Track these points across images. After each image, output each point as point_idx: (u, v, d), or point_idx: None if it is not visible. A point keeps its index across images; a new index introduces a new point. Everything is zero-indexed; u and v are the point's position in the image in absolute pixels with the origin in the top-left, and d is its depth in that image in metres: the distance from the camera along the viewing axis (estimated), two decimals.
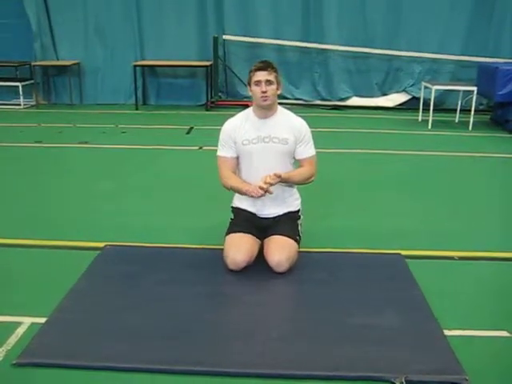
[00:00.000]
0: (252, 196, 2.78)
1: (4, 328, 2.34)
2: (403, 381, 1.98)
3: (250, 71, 2.85)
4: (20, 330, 2.33)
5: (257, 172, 2.87)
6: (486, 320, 2.47)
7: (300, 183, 3.00)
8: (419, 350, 2.17)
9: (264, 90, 2.79)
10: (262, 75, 2.79)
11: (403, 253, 3.08)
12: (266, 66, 2.82)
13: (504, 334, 2.34)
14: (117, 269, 2.89)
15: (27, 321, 2.40)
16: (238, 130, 2.91)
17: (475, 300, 2.68)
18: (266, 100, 2.82)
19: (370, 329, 2.33)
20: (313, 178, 2.99)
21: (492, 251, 3.20)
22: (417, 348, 2.19)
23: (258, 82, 2.80)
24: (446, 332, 2.31)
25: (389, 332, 2.31)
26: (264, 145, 2.87)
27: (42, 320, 2.38)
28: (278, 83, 2.87)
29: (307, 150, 2.97)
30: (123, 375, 2.06)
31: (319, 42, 7.85)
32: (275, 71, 2.85)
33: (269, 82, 2.80)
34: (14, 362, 2.10)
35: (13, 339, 2.26)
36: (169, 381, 2.04)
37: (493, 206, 4.04)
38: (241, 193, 2.90)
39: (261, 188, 2.72)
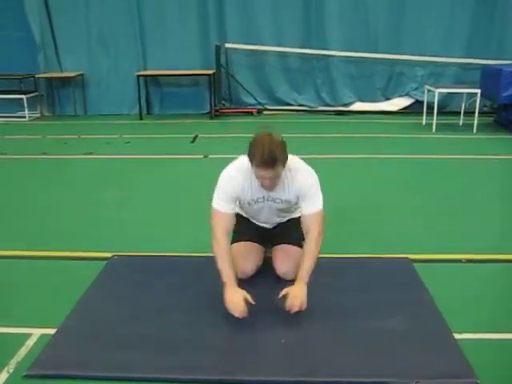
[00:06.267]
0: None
1: (14, 340, 2.35)
2: None
3: (250, 158, 2.37)
4: (30, 342, 2.33)
5: (256, 216, 2.83)
6: (496, 322, 2.46)
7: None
8: (430, 354, 2.16)
9: (268, 184, 2.46)
10: (266, 173, 2.37)
11: (411, 257, 3.08)
12: (270, 163, 2.31)
13: None
14: (125, 278, 2.89)
15: (37, 332, 2.40)
16: (246, 191, 2.58)
17: (484, 303, 2.66)
18: (271, 190, 2.55)
19: (379, 334, 2.32)
20: (321, 241, 2.57)
21: (500, 253, 3.18)
22: (427, 352, 2.18)
23: (261, 176, 2.42)
24: (456, 335, 2.30)
25: (399, 336, 2.30)
26: (268, 203, 2.68)
27: (52, 331, 2.38)
28: (284, 163, 2.40)
29: (311, 205, 2.55)
30: None
31: (321, 48, 7.86)
32: (281, 160, 2.35)
33: (274, 176, 2.42)
34: (25, 373, 2.10)
35: (23, 351, 2.27)
36: None
37: (499, 207, 4.04)
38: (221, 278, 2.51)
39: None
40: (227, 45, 7.93)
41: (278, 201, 2.64)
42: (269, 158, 2.29)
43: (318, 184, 2.58)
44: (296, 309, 2.38)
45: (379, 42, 7.79)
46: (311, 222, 2.55)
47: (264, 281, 2.80)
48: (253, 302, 2.42)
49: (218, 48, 7.78)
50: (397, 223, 3.70)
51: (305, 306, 2.40)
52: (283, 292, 2.45)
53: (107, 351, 2.24)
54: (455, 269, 3.02)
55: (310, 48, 7.87)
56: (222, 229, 2.55)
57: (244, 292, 2.44)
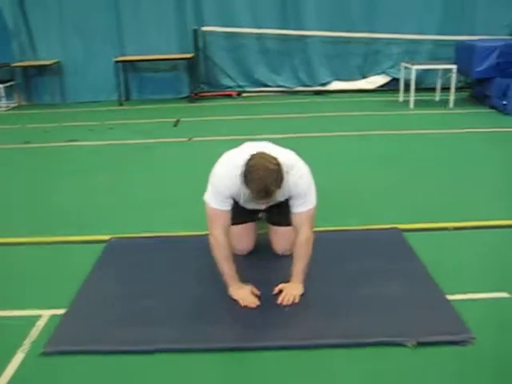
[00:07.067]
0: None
1: (25, 322, 2.41)
2: (415, 343, 2.10)
3: (245, 185, 2.26)
4: (40, 323, 2.39)
5: (246, 205, 2.66)
6: (485, 283, 2.61)
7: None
8: (426, 315, 2.30)
9: (265, 205, 2.52)
10: (262, 202, 2.36)
11: (399, 227, 3.21)
12: (267, 196, 2.25)
13: (504, 295, 2.49)
14: (125, 259, 2.97)
15: (46, 313, 2.46)
16: (241, 194, 2.46)
17: (473, 266, 2.80)
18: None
19: (376, 299, 2.44)
20: (311, 243, 2.54)
21: (483, 220, 3.33)
22: (423, 313, 2.31)
23: (257, 202, 2.39)
24: (449, 297, 2.44)
25: (395, 300, 2.43)
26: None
27: (61, 311, 2.45)
28: (280, 186, 2.28)
29: (303, 204, 2.49)
30: (148, 357, 2.14)
31: (298, 29, 7.92)
32: (277, 187, 2.25)
33: (271, 201, 2.39)
34: (43, 350, 2.17)
35: (35, 331, 2.33)
36: (190, 358, 2.13)
37: (480, 178, 4.19)
38: (224, 279, 2.53)
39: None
40: (204, 28, 7.93)
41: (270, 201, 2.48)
42: (264, 193, 2.22)
43: (311, 181, 2.50)
44: (287, 303, 2.42)
45: (355, 22, 7.87)
46: (302, 222, 2.50)
47: (260, 254, 2.92)
48: (258, 293, 2.49)
49: (195, 31, 7.78)
50: (381, 196, 3.82)
51: (297, 300, 2.43)
52: (278, 288, 2.50)
53: (118, 326, 2.32)
54: (443, 236, 3.16)
55: (287, 29, 7.93)
56: (220, 227, 2.48)
57: (249, 286, 2.51)
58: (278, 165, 2.26)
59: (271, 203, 2.61)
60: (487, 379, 1.99)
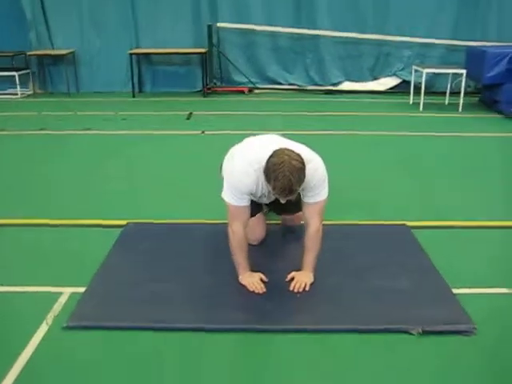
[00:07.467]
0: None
1: (48, 297, 2.54)
2: (420, 331, 2.21)
3: (268, 181, 2.31)
4: (62, 299, 2.52)
5: (257, 200, 2.76)
6: (490, 279, 2.71)
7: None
8: (431, 306, 2.40)
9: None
10: (284, 199, 2.37)
11: (408, 224, 3.30)
12: (290, 194, 2.29)
13: (504, 290, 2.61)
14: (141, 243, 3.07)
15: (67, 291, 2.59)
16: (258, 189, 2.55)
17: (477, 263, 2.91)
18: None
19: (384, 289, 2.55)
20: (320, 236, 2.61)
21: (489, 221, 3.43)
22: (429, 304, 2.42)
23: (278, 197, 2.41)
24: (454, 290, 2.54)
25: (402, 291, 2.53)
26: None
27: (81, 289, 2.57)
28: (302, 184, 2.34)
29: (316, 195, 2.55)
30: (163, 334, 2.26)
31: (311, 28, 8.01)
32: (300, 185, 2.31)
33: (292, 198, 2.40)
34: (65, 325, 2.29)
35: (57, 306, 2.46)
36: (203, 338, 2.25)
37: (486, 180, 4.28)
38: (237, 269, 2.64)
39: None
40: (219, 24, 8.03)
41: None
42: (288, 191, 2.26)
43: (325, 174, 2.55)
44: (299, 290, 2.52)
45: (367, 23, 7.95)
46: (312, 213, 2.57)
47: (271, 244, 3.05)
48: (266, 280, 2.60)
49: (209, 27, 7.89)
50: (390, 195, 3.92)
51: (307, 288, 2.53)
52: (290, 276, 2.62)
53: (135, 306, 2.43)
54: (449, 234, 3.25)
55: (300, 28, 8.02)
56: (240, 221, 2.55)
57: (259, 274, 2.62)
58: (303, 163, 2.28)
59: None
60: (487, 368, 2.09)
